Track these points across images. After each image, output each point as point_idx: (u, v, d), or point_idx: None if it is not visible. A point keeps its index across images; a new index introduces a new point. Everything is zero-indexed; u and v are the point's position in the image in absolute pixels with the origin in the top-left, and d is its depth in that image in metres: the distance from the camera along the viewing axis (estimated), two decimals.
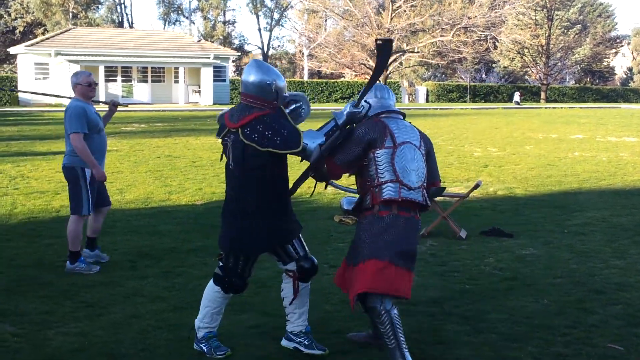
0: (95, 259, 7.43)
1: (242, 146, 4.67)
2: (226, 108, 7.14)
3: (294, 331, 5.05)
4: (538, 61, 67.28)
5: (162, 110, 38.36)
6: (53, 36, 47.11)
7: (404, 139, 4.82)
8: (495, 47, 68.17)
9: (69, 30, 49.45)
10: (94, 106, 7.38)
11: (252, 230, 4.78)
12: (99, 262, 7.37)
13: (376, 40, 4.80)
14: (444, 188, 5.52)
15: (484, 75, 72.52)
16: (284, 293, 5.07)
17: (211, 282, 5.00)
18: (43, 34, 62.54)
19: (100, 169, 7.08)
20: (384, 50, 4.83)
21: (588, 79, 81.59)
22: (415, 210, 4.84)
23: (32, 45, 45.08)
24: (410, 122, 5.03)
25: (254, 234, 4.78)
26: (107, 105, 7.83)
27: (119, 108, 7.93)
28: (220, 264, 4.96)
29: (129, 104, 8.74)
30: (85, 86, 7.19)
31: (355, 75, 66.03)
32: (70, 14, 69.57)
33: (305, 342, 4.99)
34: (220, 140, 4.95)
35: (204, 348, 4.95)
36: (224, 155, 4.98)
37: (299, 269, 4.96)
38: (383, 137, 4.77)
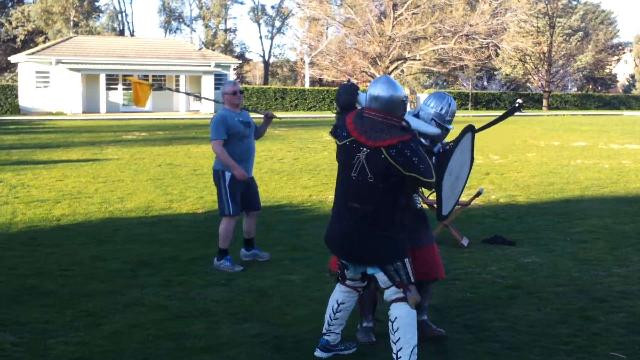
0: (253, 258, 7.77)
1: (386, 164, 4.69)
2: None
3: (334, 342, 5.18)
4: (540, 68, 67.29)
5: (163, 119, 38.37)
6: (54, 44, 47.09)
7: None
8: (497, 55, 68.20)
9: (70, 38, 49.46)
10: (250, 113, 7.84)
11: (397, 239, 4.87)
12: (257, 261, 7.75)
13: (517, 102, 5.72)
14: None
15: (485, 83, 72.50)
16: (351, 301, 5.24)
17: (409, 310, 4.77)
18: (44, 42, 62.65)
19: (240, 169, 7.38)
20: (512, 111, 5.65)
21: (590, 86, 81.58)
22: None
23: (33, 53, 45.09)
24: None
25: (399, 241, 4.89)
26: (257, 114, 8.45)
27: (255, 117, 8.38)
28: (401, 289, 4.81)
29: (281, 118, 9.22)
30: (230, 95, 7.60)
31: (357, 83, 65.97)
32: (71, 23, 69.75)
33: (343, 347, 5.22)
34: (335, 140, 5.04)
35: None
36: (345, 163, 4.92)
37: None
38: None
